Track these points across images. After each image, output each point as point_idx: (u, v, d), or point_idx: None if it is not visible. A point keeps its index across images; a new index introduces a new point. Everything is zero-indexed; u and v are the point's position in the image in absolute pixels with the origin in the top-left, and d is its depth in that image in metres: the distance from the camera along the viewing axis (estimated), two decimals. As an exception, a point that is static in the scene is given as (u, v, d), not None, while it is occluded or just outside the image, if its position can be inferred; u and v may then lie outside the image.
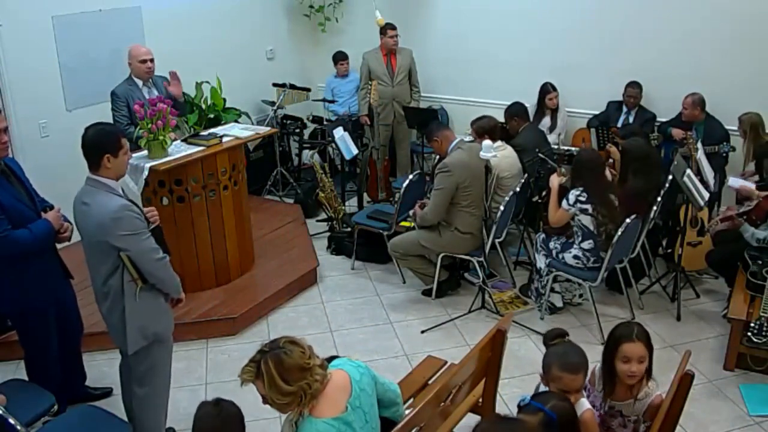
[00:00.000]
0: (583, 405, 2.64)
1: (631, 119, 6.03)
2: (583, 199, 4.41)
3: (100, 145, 2.99)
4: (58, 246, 3.52)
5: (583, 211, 4.43)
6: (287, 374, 2.22)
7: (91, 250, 3.07)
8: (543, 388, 2.78)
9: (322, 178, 5.95)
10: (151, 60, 5.02)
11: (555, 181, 4.65)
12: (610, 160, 5.20)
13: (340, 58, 7.06)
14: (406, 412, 2.70)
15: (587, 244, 4.49)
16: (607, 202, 4.43)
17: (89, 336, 4.03)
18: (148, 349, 3.19)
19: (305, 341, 2.34)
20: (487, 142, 4.42)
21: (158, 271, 3.08)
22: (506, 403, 3.71)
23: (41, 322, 3.47)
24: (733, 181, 4.93)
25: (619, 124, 6.02)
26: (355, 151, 6.09)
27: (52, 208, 3.44)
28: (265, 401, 2.29)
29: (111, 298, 3.10)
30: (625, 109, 6.07)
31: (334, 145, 6.11)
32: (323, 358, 2.40)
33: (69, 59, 5.47)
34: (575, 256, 4.54)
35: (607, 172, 4.78)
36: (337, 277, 5.47)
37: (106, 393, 3.95)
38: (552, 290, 4.80)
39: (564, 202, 4.49)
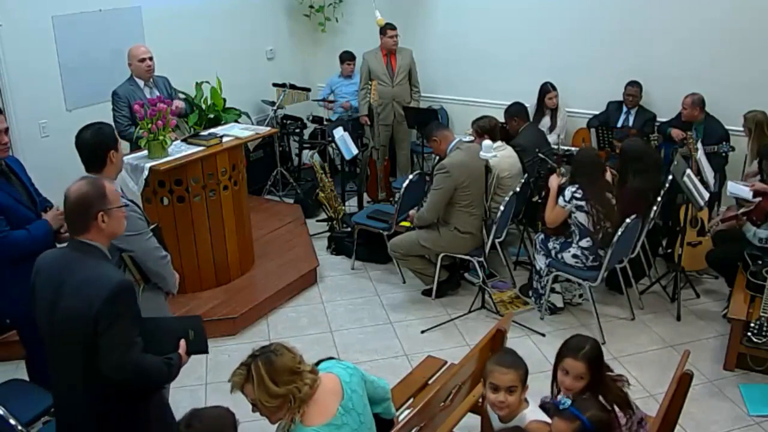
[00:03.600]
0: (525, 417, 2.62)
1: (631, 119, 6.03)
2: (578, 195, 4.42)
3: (103, 143, 3.00)
4: (59, 246, 3.52)
5: (579, 208, 4.44)
6: (276, 375, 2.21)
7: None
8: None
9: (322, 178, 5.95)
10: (150, 58, 5.02)
11: (554, 181, 4.65)
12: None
13: (347, 58, 7.05)
14: (406, 412, 2.70)
15: (585, 242, 4.50)
16: (604, 200, 4.43)
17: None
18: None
19: (297, 350, 2.33)
20: (487, 142, 4.42)
21: (162, 269, 3.10)
22: (506, 403, 3.70)
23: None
24: (732, 187, 4.94)
25: (619, 124, 6.03)
26: (355, 151, 6.09)
27: (51, 207, 3.44)
28: (255, 408, 2.27)
29: None
30: (625, 108, 6.08)
31: (334, 145, 6.11)
32: (312, 364, 2.39)
33: (69, 59, 5.47)
34: (574, 255, 4.54)
35: (608, 173, 4.77)
36: (337, 277, 5.47)
37: None
38: (552, 290, 4.80)
39: (560, 199, 4.49)
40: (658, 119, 5.98)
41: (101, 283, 2.29)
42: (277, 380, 2.20)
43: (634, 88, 5.96)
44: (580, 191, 4.42)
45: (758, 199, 4.58)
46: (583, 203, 4.42)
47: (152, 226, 3.15)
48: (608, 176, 4.67)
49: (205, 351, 2.68)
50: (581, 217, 4.46)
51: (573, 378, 2.68)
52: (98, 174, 3.01)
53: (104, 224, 2.41)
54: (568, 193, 4.46)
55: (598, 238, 4.43)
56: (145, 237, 3.02)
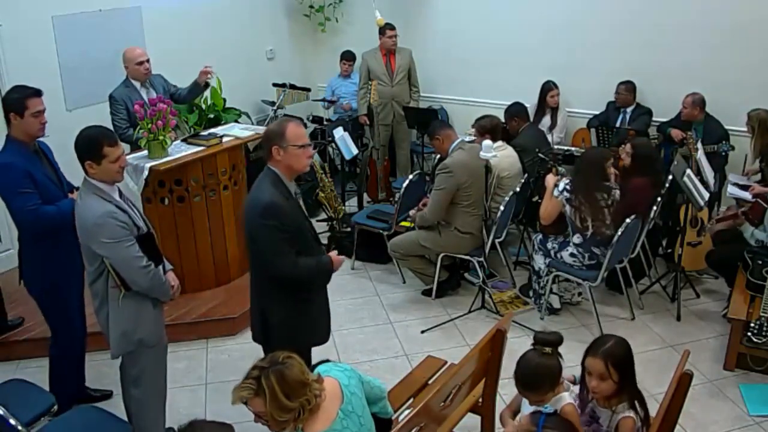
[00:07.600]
0: (564, 399, 2.64)
1: (627, 118, 6.04)
2: (569, 188, 4.44)
3: (80, 151, 2.99)
4: None
5: (568, 201, 4.46)
6: (289, 389, 2.17)
7: (83, 251, 3.07)
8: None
9: (322, 178, 5.95)
10: (147, 60, 4.98)
11: (551, 180, 4.66)
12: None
13: (346, 57, 7.06)
14: (406, 412, 2.69)
15: (577, 239, 4.51)
16: (590, 198, 4.42)
17: (89, 336, 4.02)
18: (136, 354, 3.17)
19: (296, 355, 2.31)
20: (487, 142, 4.42)
21: (141, 279, 3.02)
22: (506, 403, 3.69)
23: (67, 298, 3.56)
24: (732, 190, 4.92)
25: (618, 124, 6.03)
26: (355, 151, 6.09)
27: (77, 189, 3.47)
28: (257, 419, 2.23)
29: (98, 300, 3.11)
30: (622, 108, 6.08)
31: (334, 145, 6.11)
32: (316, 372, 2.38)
33: (69, 59, 5.47)
34: (572, 254, 4.54)
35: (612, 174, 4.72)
36: (337, 277, 5.37)
37: (106, 396, 3.95)
38: (550, 291, 4.79)
39: (555, 190, 4.50)
40: (658, 119, 5.98)
41: (257, 202, 2.88)
42: (291, 394, 2.17)
43: (621, 86, 5.96)
44: (570, 185, 4.44)
45: (756, 198, 4.60)
46: (571, 197, 4.43)
47: (142, 233, 3.07)
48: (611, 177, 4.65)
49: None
50: (569, 211, 4.47)
51: (596, 378, 2.56)
52: (87, 176, 3.02)
53: (279, 156, 2.92)
54: (561, 184, 4.49)
55: (587, 235, 4.43)
56: (123, 245, 2.94)
